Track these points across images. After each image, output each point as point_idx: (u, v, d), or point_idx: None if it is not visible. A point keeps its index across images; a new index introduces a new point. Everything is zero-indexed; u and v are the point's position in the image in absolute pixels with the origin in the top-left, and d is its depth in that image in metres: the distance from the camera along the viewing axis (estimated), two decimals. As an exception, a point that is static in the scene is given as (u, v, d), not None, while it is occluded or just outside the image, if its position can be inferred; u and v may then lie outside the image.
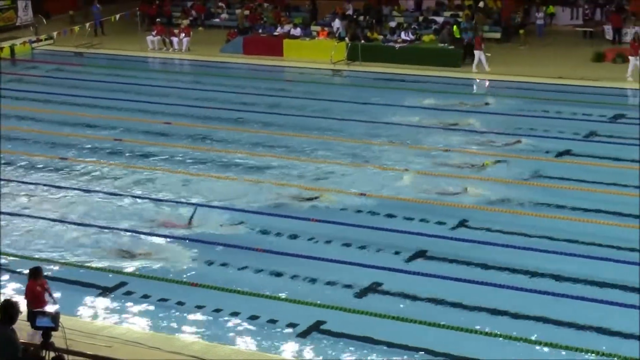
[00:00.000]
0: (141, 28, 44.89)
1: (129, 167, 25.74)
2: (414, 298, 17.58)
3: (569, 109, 30.92)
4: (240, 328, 16.56)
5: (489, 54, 36.71)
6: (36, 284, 15.12)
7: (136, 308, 17.44)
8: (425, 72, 36.76)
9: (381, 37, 40.20)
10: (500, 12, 42.62)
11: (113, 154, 27.03)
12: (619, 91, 33.22)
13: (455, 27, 39.05)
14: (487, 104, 32.46)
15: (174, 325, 16.73)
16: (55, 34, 43.19)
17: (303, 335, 16.26)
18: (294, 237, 20.66)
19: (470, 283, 18.03)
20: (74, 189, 24.06)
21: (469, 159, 25.61)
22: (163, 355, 15.27)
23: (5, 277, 18.74)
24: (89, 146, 27.84)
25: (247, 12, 45.54)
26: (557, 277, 18.15)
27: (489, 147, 26.86)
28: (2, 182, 24.46)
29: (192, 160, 26.32)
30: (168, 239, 20.46)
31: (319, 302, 17.36)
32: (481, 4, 42.72)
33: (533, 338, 15.84)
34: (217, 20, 47.71)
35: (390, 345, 15.82)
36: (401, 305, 17.29)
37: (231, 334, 16.37)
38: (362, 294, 17.80)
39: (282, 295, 17.80)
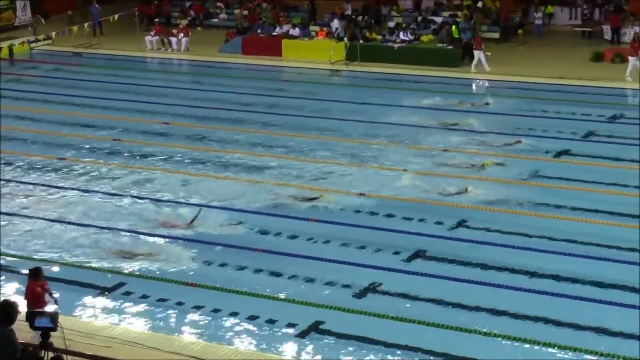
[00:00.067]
0: (140, 28, 44.87)
1: (128, 167, 25.73)
2: (413, 298, 17.57)
3: (568, 108, 30.92)
4: (239, 328, 16.55)
5: (489, 53, 36.70)
6: (36, 285, 15.10)
7: (135, 308, 17.42)
8: (424, 72, 36.76)
9: (380, 37, 40.21)
10: (498, 12, 42.63)
11: (112, 154, 27.02)
12: (617, 91, 33.23)
13: (454, 27, 39.07)
14: (486, 104, 32.47)
15: (173, 325, 16.73)
16: (53, 34, 43.17)
17: (302, 335, 16.26)
18: (293, 237, 20.65)
19: (470, 283, 18.03)
20: (73, 189, 24.04)
21: (468, 159, 25.61)
22: (162, 355, 15.26)
23: (4, 277, 18.71)
24: (88, 146, 27.83)
25: (245, 12, 45.52)
26: (557, 277, 18.14)
27: (487, 147, 26.86)
28: (1, 182, 24.44)
29: (190, 160, 26.31)
30: (167, 239, 20.45)
31: (318, 302, 17.35)
32: (480, 4, 42.73)
33: (532, 338, 15.82)
34: (216, 20, 47.70)
35: (389, 345, 15.81)
36: (400, 305, 17.28)
37: (230, 334, 16.37)
38: (361, 294, 17.79)
39: (281, 295, 17.79)
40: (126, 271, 18.93)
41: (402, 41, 39.19)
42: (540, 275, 18.28)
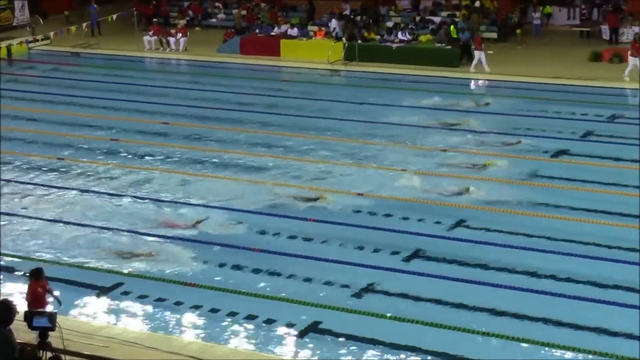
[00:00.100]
0: (138, 28, 44.84)
1: (126, 167, 25.71)
2: (412, 298, 17.55)
3: (566, 108, 30.92)
4: (237, 328, 16.54)
5: (491, 52, 36.66)
6: (37, 285, 15.08)
7: (133, 308, 17.41)
8: (423, 72, 36.76)
9: (378, 37, 40.21)
10: (496, 12, 42.64)
11: (110, 154, 27.00)
12: (615, 91, 33.22)
13: (452, 27, 39.06)
14: (486, 104, 32.46)
15: (172, 325, 16.72)
16: (52, 34, 43.14)
17: (301, 335, 16.25)
18: (291, 237, 20.64)
19: (469, 283, 18.02)
20: (71, 189, 24.01)
21: (467, 158, 25.59)
22: (160, 355, 15.25)
23: (3, 277, 18.68)
24: (86, 146, 27.81)
25: (244, 12, 45.51)
26: (557, 277, 18.13)
27: (486, 147, 26.84)
28: (0, 182, 24.43)
29: (189, 160, 26.29)
30: (165, 239, 20.42)
31: (316, 302, 17.35)
32: (477, 4, 42.74)
33: (532, 338, 15.81)
34: (214, 20, 47.70)
35: (388, 345, 15.80)
36: (399, 305, 17.26)
37: (229, 334, 16.36)
38: (359, 294, 17.78)
39: (280, 295, 17.77)
40: (124, 271, 18.91)
41: (401, 41, 39.18)
42: (540, 275, 18.27)
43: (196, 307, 17.31)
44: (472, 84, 35.95)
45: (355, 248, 19.93)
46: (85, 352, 13.68)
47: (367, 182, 23.96)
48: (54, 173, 25.40)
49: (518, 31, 41.36)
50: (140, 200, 23.03)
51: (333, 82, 37.31)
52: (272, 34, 41.79)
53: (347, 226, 21.07)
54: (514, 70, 36.28)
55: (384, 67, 37.62)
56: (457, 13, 42.03)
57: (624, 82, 34.00)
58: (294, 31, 41.51)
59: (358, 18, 42.39)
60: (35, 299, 14.88)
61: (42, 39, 44.15)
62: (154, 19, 44.68)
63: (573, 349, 15.42)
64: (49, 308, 15.01)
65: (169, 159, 26.43)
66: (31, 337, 12.75)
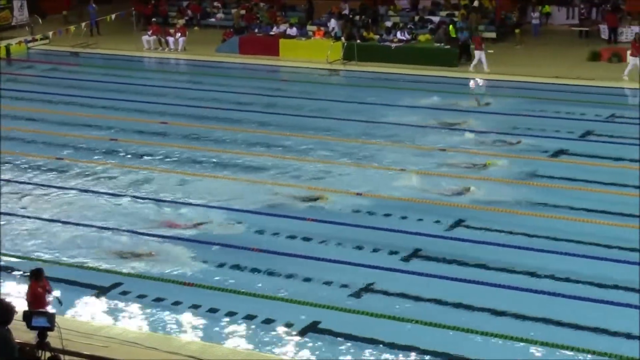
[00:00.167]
0: (137, 28, 44.82)
1: (125, 167, 25.70)
2: (411, 298, 17.55)
3: (565, 108, 30.93)
4: (236, 328, 16.53)
5: (491, 51, 36.63)
6: (38, 286, 15.06)
7: (133, 308, 17.40)
8: (421, 71, 36.77)
9: (377, 36, 40.22)
10: (495, 12, 42.66)
11: (109, 154, 26.98)
12: (614, 90, 33.23)
13: (451, 26, 39.07)
14: (485, 104, 32.42)
15: (171, 325, 16.71)
16: (50, 33, 43.12)
17: (300, 335, 16.25)
18: (290, 237, 20.63)
19: (468, 283, 18.01)
20: (70, 188, 24.00)
21: (466, 158, 25.60)
22: (160, 355, 15.24)
23: (2, 277, 18.66)
24: (85, 146, 27.79)
25: (243, 12, 45.52)
26: (557, 277, 18.12)
27: (485, 146, 26.84)
28: (-2, 182, 24.46)
29: (188, 160, 26.28)
30: (164, 239, 20.40)
31: (315, 302, 17.34)
32: (476, 3, 42.76)
33: (532, 338, 15.81)
34: (213, 19, 47.69)
35: (387, 345, 15.80)
36: (398, 305, 17.25)
37: (228, 334, 16.36)
38: (358, 293, 17.78)
39: (279, 295, 17.77)
40: (123, 271, 18.90)
41: (400, 41, 39.18)
42: (540, 275, 18.26)
43: (195, 307, 17.31)
44: (471, 84, 35.88)
45: (354, 248, 19.93)
46: (85, 352, 13.68)
47: (366, 182, 23.96)
48: (53, 173, 25.39)
49: (517, 31, 41.37)
50: (139, 200, 23.03)
51: (332, 82, 37.31)
52: (271, 33, 41.79)
53: (346, 226, 21.07)
54: (513, 70, 36.28)
55: (382, 67, 37.63)
56: (456, 13, 42.05)
57: (623, 81, 34.01)
58: (293, 31, 41.50)
59: (357, 18, 42.41)
60: (36, 299, 14.87)
61: (41, 39, 44.13)
62: (153, 19, 44.67)
63: (573, 349, 15.42)
64: (50, 308, 14.98)
65: (168, 159, 26.42)
66: (30, 337, 12.74)
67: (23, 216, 22.03)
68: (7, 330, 11.55)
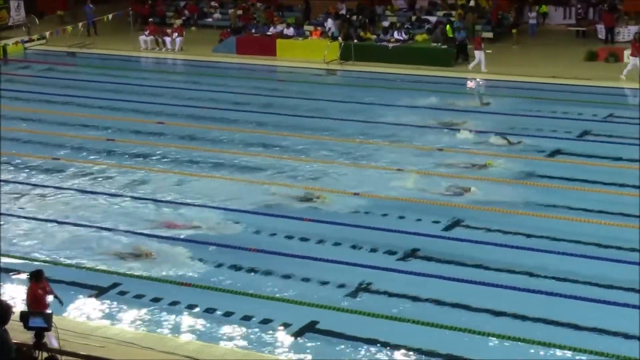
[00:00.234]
0: (134, 28, 44.80)
1: (122, 167, 25.69)
2: (409, 298, 17.55)
3: (562, 108, 30.94)
4: (234, 328, 16.52)
5: (490, 51, 36.61)
6: (38, 287, 15.04)
7: (130, 308, 17.38)
8: (419, 71, 36.76)
9: (374, 36, 40.20)
10: (492, 12, 42.67)
11: (106, 154, 26.96)
12: (612, 90, 33.22)
13: (448, 26, 39.06)
14: (482, 104, 32.38)
15: (168, 325, 16.70)
16: (47, 33, 43.11)
17: (297, 335, 16.24)
18: (288, 237, 20.62)
19: (467, 283, 18.00)
20: (66, 189, 23.98)
21: (464, 158, 25.58)
22: (157, 355, 15.23)
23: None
24: (82, 146, 27.76)
25: (240, 12, 45.51)
26: (557, 277, 18.11)
27: (483, 146, 26.83)
28: (-5, 183, 24.42)
29: (185, 160, 26.27)
30: (162, 239, 20.38)
31: (313, 302, 17.34)
32: (472, 3, 42.76)
33: (532, 338, 15.79)
34: (210, 20, 47.65)
35: (385, 345, 15.80)
36: (396, 305, 17.24)
37: (225, 334, 16.34)
38: (356, 293, 17.78)
39: (276, 295, 17.76)
40: (121, 271, 18.89)
41: (397, 41, 39.18)
42: (540, 275, 18.24)
43: (192, 307, 17.30)
44: (471, 84, 35.84)
45: (352, 248, 19.92)
46: (81, 352, 13.66)
47: (364, 182, 23.95)
48: (50, 173, 25.35)
49: (514, 31, 41.36)
50: (136, 201, 23.01)
51: (329, 82, 37.29)
52: (268, 33, 41.76)
53: (343, 226, 21.06)
54: (510, 70, 36.27)
55: (380, 67, 37.62)
56: (453, 12, 42.03)
57: (621, 81, 34.00)
58: (290, 31, 41.49)
59: (354, 17, 42.40)
60: (36, 300, 14.85)
61: (38, 39, 44.08)
62: (150, 19, 44.61)
63: (573, 349, 15.41)
64: (50, 310, 14.96)
65: (165, 159, 26.40)
66: (27, 337, 12.72)
67: (19, 216, 22.00)
68: (4, 330, 11.53)
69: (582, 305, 17.02)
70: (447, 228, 20.83)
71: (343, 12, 43.35)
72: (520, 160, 25.45)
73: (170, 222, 21.44)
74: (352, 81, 36.87)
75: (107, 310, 17.35)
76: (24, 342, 12.68)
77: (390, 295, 17.68)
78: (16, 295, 17.49)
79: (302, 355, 15.64)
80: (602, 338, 15.88)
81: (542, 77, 34.98)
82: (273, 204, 22.49)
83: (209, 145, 27.67)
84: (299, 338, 16.14)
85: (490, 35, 41.19)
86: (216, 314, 17.07)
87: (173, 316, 17.00)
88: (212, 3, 48.48)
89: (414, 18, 43.10)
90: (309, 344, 15.95)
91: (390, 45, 38.84)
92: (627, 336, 15.88)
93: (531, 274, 18.32)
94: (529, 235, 20.24)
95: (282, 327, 16.48)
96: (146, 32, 42.96)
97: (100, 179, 24.74)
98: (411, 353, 15.57)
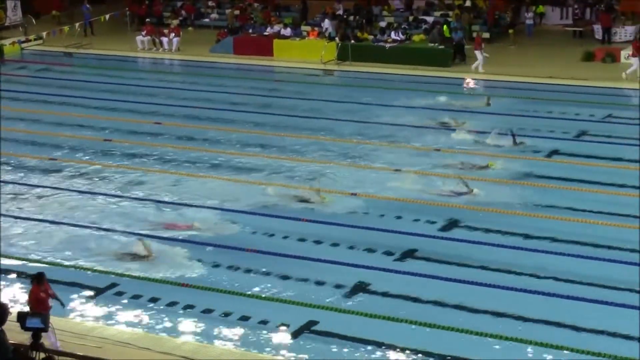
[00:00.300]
0: (131, 28, 44.75)
1: (120, 168, 25.67)
2: (407, 298, 17.55)
3: (559, 108, 30.95)
4: (231, 328, 16.52)
5: (487, 55, 36.58)
6: (40, 289, 15.04)
7: (127, 309, 17.37)
8: (416, 71, 36.76)
9: (371, 37, 40.19)
10: (488, 12, 42.68)
11: (103, 155, 26.94)
12: (608, 90, 33.23)
13: (445, 26, 39.06)
14: (479, 104, 32.37)
15: (165, 325, 16.69)
16: (44, 34, 43.05)
17: (294, 335, 16.24)
18: (285, 237, 20.62)
19: (465, 283, 18.00)
20: (63, 189, 23.96)
21: (461, 158, 25.57)
22: (153, 355, 15.23)
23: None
24: (78, 146, 27.73)
25: (237, 12, 45.47)
26: (556, 278, 18.12)
27: (480, 146, 26.82)
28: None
29: (182, 160, 26.25)
30: (159, 240, 20.34)
31: (310, 302, 17.33)
32: (468, 3, 42.77)
33: (531, 339, 15.80)
34: (207, 20, 47.62)
35: (381, 345, 15.80)
36: (394, 306, 17.24)
37: (222, 335, 16.34)
38: (353, 294, 17.77)
39: (273, 295, 17.76)
40: (118, 272, 18.87)
41: (394, 41, 39.17)
42: (539, 276, 18.24)
43: (190, 308, 17.29)
44: (465, 84, 35.86)
45: (349, 248, 19.92)
46: (78, 353, 13.66)
47: (361, 182, 23.95)
48: (46, 173, 25.33)
49: (511, 31, 41.37)
50: (134, 201, 23.00)
51: (326, 82, 37.28)
52: (265, 34, 41.75)
53: (340, 226, 21.05)
54: (507, 70, 36.27)
55: (377, 67, 37.61)
56: (450, 13, 42.04)
57: (617, 81, 33.99)
58: (287, 31, 41.48)
59: (351, 18, 42.39)
60: (38, 303, 14.85)
61: (35, 39, 44.04)
62: (147, 19, 44.58)
63: (573, 350, 15.40)
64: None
65: (162, 160, 26.39)
66: (24, 337, 12.72)
67: (16, 217, 21.97)
68: (2, 331, 11.54)
69: (582, 306, 17.02)
70: (446, 228, 20.82)
71: (340, 12, 43.34)
72: (518, 161, 25.45)
73: (167, 222, 21.43)
74: (349, 81, 36.86)
75: (104, 311, 17.34)
76: (21, 342, 12.68)
77: (388, 295, 17.68)
78: (14, 295, 17.51)
79: (299, 356, 15.64)
80: (602, 338, 15.88)
81: (539, 77, 34.98)
82: (270, 205, 22.48)
83: (206, 146, 27.65)
84: (296, 338, 16.13)
85: (487, 35, 41.16)
86: (213, 314, 17.07)
87: (170, 316, 16.98)
88: (209, 3, 48.46)
89: (411, 18, 43.09)
90: (306, 345, 15.95)
91: (388, 45, 38.84)
92: (627, 337, 15.86)
93: (530, 275, 18.32)
94: (527, 236, 20.24)
95: (279, 328, 16.47)
96: (143, 33, 42.93)
97: (96, 180, 24.72)
98: (409, 353, 15.57)
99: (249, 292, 17.86)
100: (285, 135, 28.42)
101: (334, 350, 15.74)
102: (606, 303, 17.00)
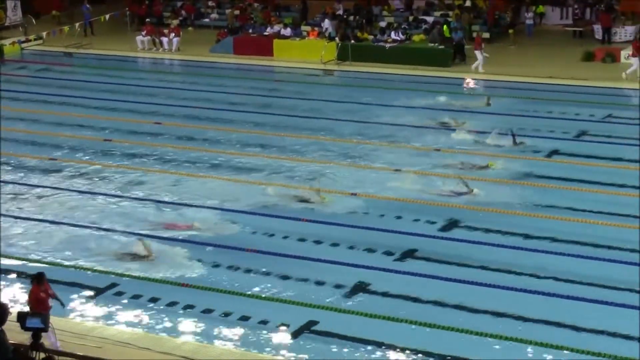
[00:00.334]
0: (131, 28, 44.75)
1: (120, 168, 25.67)
2: (407, 298, 17.55)
3: (559, 108, 30.94)
4: (231, 328, 16.52)
5: (487, 55, 36.57)
6: (40, 290, 15.05)
7: (127, 309, 17.37)
8: (415, 71, 36.76)
9: (371, 37, 40.20)
10: (488, 12, 42.68)
11: (103, 155, 26.93)
12: (608, 90, 33.22)
13: (445, 26, 39.06)
14: (479, 104, 32.36)
15: (165, 325, 16.69)
16: (44, 34, 43.04)
17: (294, 335, 16.24)
18: (285, 237, 20.62)
19: (465, 284, 18.00)
20: (63, 189, 23.96)
21: (461, 158, 25.56)
22: (153, 355, 15.23)
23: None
24: (78, 146, 27.73)
25: (237, 12, 45.47)
26: (555, 278, 18.12)
27: (480, 146, 26.82)
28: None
29: (182, 160, 26.25)
30: (159, 240, 20.34)
31: (310, 302, 17.33)
32: (468, 3, 42.77)
33: (531, 339, 15.79)
34: (207, 20, 47.62)
35: (381, 345, 15.80)
36: (393, 306, 17.24)
37: (222, 335, 16.34)
38: (353, 294, 17.77)
39: (273, 295, 17.76)
40: (118, 272, 18.87)
41: (394, 41, 39.17)
42: (539, 276, 18.23)
43: (190, 308, 17.29)
44: (465, 84, 35.86)
45: (349, 248, 19.92)
46: (78, 353, 13.66)
47: (361, 182, 23.94)
48: (46, 173, 25.33)
49: (511, 31, 41.37)
50: (134, 201, 23.00)
51: (326, 82, 37.27)
52: (265, 34, 41.75)
53: (340, 226, 21.05)
54: (507, 70, 36.27)
55: (377, 67, 37.61)
56: (450, 13, 42.04)
57: (618, 81, 33.99)
58: (287, 31, 41.48)
59: (351, 18, 42.39)
60: (38, 303, 14.85)
61: (35, 39, 44.04)
62: (147, 19, 44.58)
63: (573, 350, 15.40)
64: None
65: (162, 160, 26.38)
66: (24, 337, 12.72)
67: (17, 217, 21.97)
68: (1, 331, 11.54)
69: (582, 306, 17.02)
70: (445, 228, 20.82)
71: (340, 12, 43.34)
72: (518, 161, 25.45)
73: (167, 222, 21.42)
74: (349, 81, 36.85)
75: (104, 311, 17.34)
76: (21, 342, 12.68)
77: (388, 295, 17.68)
78: (14, 295, 17.51)
79: (299, 356, 15.64)
80: (602, 338, 15.88)
81: (539, 77, 34.98)
82: (270, 205, 22.48)
83: (206, 146, 27.65)
84: (296, 338, 16.13)
85: (486, 35, 41.16)
86: (213, 314, 17.06)
87: (170, 317, 16.98)
88: (209, 3, 48.46)
89: (411, 18, 43.09)
90: (306, 345, 15.95)
91: (388, 45, 38.83)
92: (627, 337, 15.86)
93: (530, 275, 18.31)
94: (527, 236, 20.24)
95: (279, 328, 16.47)
96: (143, 33, 42.92)
97: (96, 180, 24.72)
98: (409, 353, 15.57)
99: (249, 292, 17.87)
100: (285, 135, 28.42)
101: (334, 350, 15.74)
102: (606, 303, 17.00)
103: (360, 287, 17.98)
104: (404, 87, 34.61)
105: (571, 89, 33.28)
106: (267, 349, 15.82)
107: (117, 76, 37.85)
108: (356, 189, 23.36)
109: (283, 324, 16.55)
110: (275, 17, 44.24)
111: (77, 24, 44.29)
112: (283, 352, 15.79)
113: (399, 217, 21.59)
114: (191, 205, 22.43)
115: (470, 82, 35.88)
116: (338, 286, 18.03)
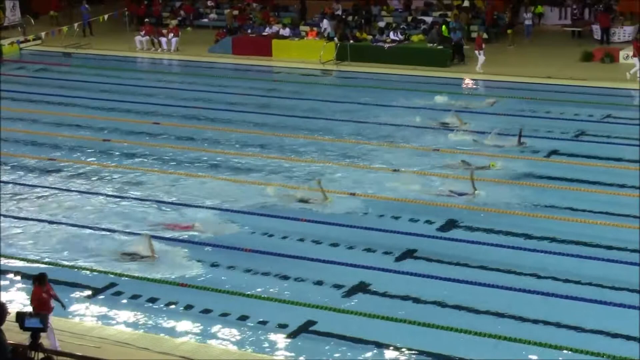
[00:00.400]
0: (129, 28, 44.75)
1: (118, 168, 25.65)
2: (406, 298, 17.53)
3: (558, 108, 30.93)
4: (230, 328, 16.50)
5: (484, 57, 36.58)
6: (41, 290, 15.03)
7: (125, 309, 17.35)
8: (414, 72, 36.76)
9: (370, 37, 40.19)
10: (486, 12, 42.68)
11: (102, 155, 26.91)
12: (607, 91, 33.22)
13: (444, 26, 39.06)
14: (478, 104, 32.34)
15: (164, 325, 16.67)
16: (43, 34, 43.02)
17: (293, 335, 16.22)
18: (284, 237, 20.60)
19: (465, 284, 17.98)
20: (62, 189, 23.93)
21: (461, 158, 25.54)
22: (152, 355, 15.22)
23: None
24: (77, 147, 27.70)
25: (235, 12, 45.48)
26: (555, 278, 18.10)
27: (479, 146, 26.80)
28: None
29: (181, 160, 26.23)
30: (158, 240, 20.30)
31: (308, 302, 17.32)
32: (466, 3, 42.77)
33: (531, 339, 15.78)
34: (206, 20, 47.62)
35: (381, 345, 15.79)
36: (392, 306, 17.22)
37: (221, 335, 16.32)
38: (352, 294, 17.75)
39: (272, 295, 17.74)
40: (116, 272, 18.85)
41: (393, 41, 39.17)
42: (539, 276, 18.22)
43: (188, 308, 17.28)
44: (464, 84, 35.85)
45: (348, 248, 19.90)
46: (77, 353, 13.64)
47: (360, 182, 23.93)
48: (45, 174, 25.30)
49: (509, 31, 41.38)
50: (132, 201, 22.97)
51: (325, 82, 37.26)
52: (264, 34, 41.74)
53: (339, 226, 21.03)
54: (506, 71, 36.27)
55: (375, 67, 37.60)
56: (449, 13, 42.03)
57: (616, 81, 33.98)
58: (286, 31, 41.47)
59: (350, 18, 42.39)
60: (40, 304, 14.84)
61: (34, 39, 44.01)
62: (146, 19, 44.58)
63: (573, 350, 15.39)
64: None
65: (161, 160, 26.36)
66: (23, 337, 12.69)
67: (16, 217, 21.94)
68: (0, 331, 11.51)
69: (582, 306, 17.02)
70: (445, 229, 20.80)
71: (339, 12, 43.34)
72: (518, 161, 25.44)
73: (166, 222, 21.40)
74: (348, 82, 36.84)
75: (103, 311, 17.32)
76: (20, 342, 12.66)
77: (387, 295, 17.66)
78: (13, 296, 17.49)
79: (298, 356, 15.62)
80: (602, 338, 15.87)
81: (538, 77, 34.98)
82: (269, 205, 22.46)
83: (205, 146, 27.63)
84: (295, 338, 16.11)
85: (485, 35, 41.14)
86: (212, 314, 17.04)
87: (169, 317, 16.96)
88: (208, 3, 48.44)
89: (409, 18, 43.10)
90: (305, 345, 15.93)
91: (386, 45, 38.83)
92: (627, 337, 15.84)
93: (530, 275, 18.29)
94: (527, 236, 20.22)
95: (278, 328, 16.45)
96: (142, 33, 42.92)
97: (95, 180, 24.70)
98: (409, 353, 15.55)
99: (248, 292, 17.85)
100: (284, 136, 28.40)
101: (333, 350, 15.71)
102: (606, 303, 16.99)
103: (359, 287, 17.97)
104: (403, 88, 34.59)
105: (570, 89, 33.29)
106: (266, 349, 15.81)
107: (115, 76, 37.84)
108: (355, 189, 23.34)
109: (282, 324, 16.53)
110: (274, 17, 44.23)
111: (75, 24, 44.28)
112: (282, 352, 15.77)
113: (398, 217, 21.57)
114: (190, 206, 22.41)
115: (469, 82, 35.86)
116: (337, 286, 18.02)
